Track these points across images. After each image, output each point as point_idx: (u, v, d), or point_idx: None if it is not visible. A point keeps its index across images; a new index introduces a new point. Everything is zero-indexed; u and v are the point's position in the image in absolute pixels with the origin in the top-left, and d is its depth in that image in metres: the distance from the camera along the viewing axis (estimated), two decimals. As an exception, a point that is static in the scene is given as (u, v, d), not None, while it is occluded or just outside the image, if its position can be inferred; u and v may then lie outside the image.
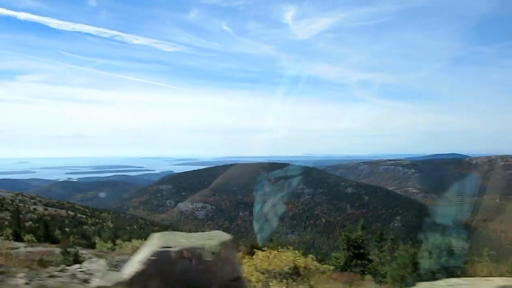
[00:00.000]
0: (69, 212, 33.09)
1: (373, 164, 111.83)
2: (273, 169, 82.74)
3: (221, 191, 76.37)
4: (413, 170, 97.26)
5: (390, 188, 79.71)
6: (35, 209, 29.51)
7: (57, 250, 8.16)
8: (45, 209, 31.32)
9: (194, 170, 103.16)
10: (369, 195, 68.26)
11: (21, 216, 22.95)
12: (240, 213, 67.18)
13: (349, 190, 70.18)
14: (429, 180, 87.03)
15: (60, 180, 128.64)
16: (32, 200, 34.96)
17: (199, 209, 69.86)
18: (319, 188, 71.39)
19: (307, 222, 62.39)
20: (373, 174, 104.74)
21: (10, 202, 30.17)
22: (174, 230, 7.43)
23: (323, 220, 62.54)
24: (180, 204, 73.36)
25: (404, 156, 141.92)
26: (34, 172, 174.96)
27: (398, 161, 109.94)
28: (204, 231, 2.61)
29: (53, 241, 12.70)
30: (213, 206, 70.60)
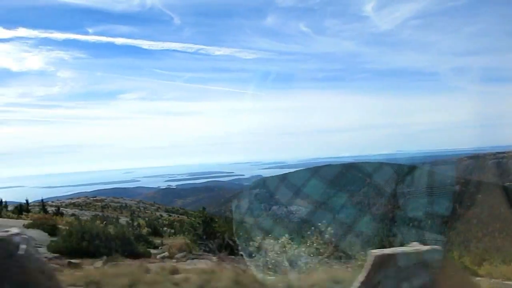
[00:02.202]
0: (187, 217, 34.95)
1: (479, 158, 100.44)
2: (365, 169, 79.00)
3: (314, 193, 75.12)
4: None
5: (506, 184, 70.49)
6: (161, 215, 31.92)
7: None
8: (169, 215, 33.70)
9: (284, 173, 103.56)
10: (482, 192, 61.05)
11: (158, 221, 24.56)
12: (336, 215, 65.16)
13: (457, 187, 63.64)
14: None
15: (161, 187, 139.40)
16: (152, 207, 38.10)
17: (294, 212, 69.48)
18: (421, 187, 66.00)
19: (411, 224, 58.00)
20: (481, 169, 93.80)
21: (136, 208, 33.21)
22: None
23: (429, 222, 57.56)
24: (275, 207, 73.78)
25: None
26: (138, 181, 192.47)
27: (510, 153, 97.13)
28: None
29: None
30: (307, 209, 69.66)
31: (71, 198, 38.57)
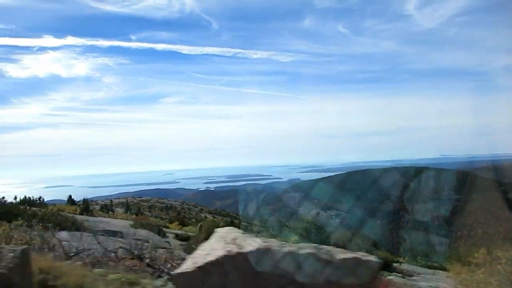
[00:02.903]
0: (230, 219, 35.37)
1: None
2: (407, 173, 76.08)
3: (353, 198, 73.56)
4: None
5: None
6: (206, 216, 32.53)
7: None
8: (213, 217, 34.20)
9: (323, 177, 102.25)
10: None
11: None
12: (378, 221, 63.40)
13: (511, 195, 59.93)
14: None
15: (200, 189, 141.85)
16: (195, 208, 38.91)
17: (333, 217, 68.42)
18: (470, 194, 62.79)
19: (458, 233, 55.28)
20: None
21: (180, 209, 34.08)
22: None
23: (479, 231, 54.58)
24: (313, 212, 72.97)
25: None
26: (178, 182, 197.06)
27: None
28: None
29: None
30: (347, 214, 68.35)
31: (118, 198, 40.20)
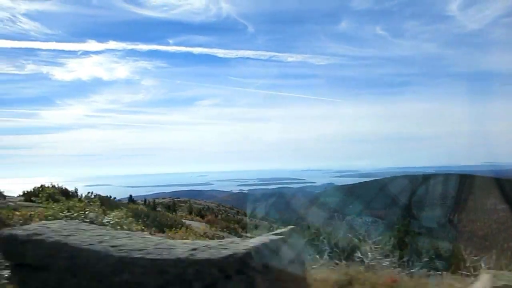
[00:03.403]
0: (267, 222, 35.42)
1: None
2: (448, 181, 72.99)
3: (391, 205, 71.51)
4: None
5: None
6: (242, 219, 32.65)
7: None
8: (250, 219, 34.30)
9: (359, 183, 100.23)
10: None
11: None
12: (415, 230, 61.20)
13: None
14: None
15: (234, 191, 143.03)
16: (232, 210, 39.26)
17: (370, 224, 66.71)
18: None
19: (505, 245, 52.34)
20: None
21: (217, 210, 34.50)
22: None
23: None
24: (348, 218, 71.54)
25: None
26: (212, 184, 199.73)
27: None
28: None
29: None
30: (384, 221, 66.44)
31: (157, 198, 41.26)
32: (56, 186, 13.02)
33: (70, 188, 13.65)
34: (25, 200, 11.63)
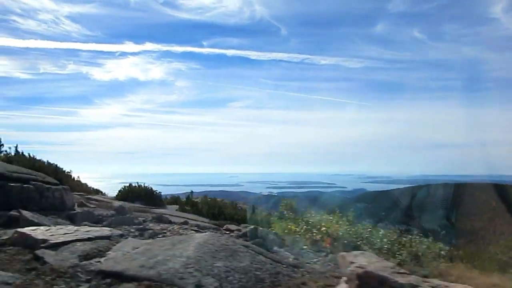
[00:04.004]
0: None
1: None
2: (489, 191, 69.78)
3: (426, 213, 69.29)
4: None
5: None
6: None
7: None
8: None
9: (392, 189, 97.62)
10: None
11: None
12: (453, 240, 59.00)
13: None
14: None
15: (263, 193, 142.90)
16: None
17: (404, 231, 64.94)
18: None
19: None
20: None
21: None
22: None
23: None
24: (381, 225, 69.96)
25: None
26: (242, 185, 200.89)
27: None
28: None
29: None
30: (418, 230, 64.50)
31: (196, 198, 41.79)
32: (143, 186, 12.66)
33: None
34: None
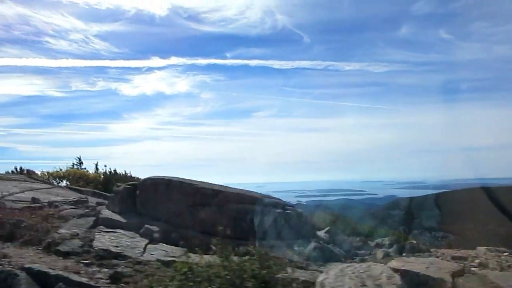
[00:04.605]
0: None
1: None
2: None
3: (463, 219, 66.60)
4: None
5: None
6: None
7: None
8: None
9: (426, 195, 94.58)
10: None
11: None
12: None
13: None
14: None
15: (292, 202, 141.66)
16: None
17: (440, 238, 62.58)
18: None
19: None
20: None
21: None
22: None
23: None
24: (415, 232, 67.76)
25: None
26: (270, 195, 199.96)
27: None
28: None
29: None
30: (455, 236, 61.95)
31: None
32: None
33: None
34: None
